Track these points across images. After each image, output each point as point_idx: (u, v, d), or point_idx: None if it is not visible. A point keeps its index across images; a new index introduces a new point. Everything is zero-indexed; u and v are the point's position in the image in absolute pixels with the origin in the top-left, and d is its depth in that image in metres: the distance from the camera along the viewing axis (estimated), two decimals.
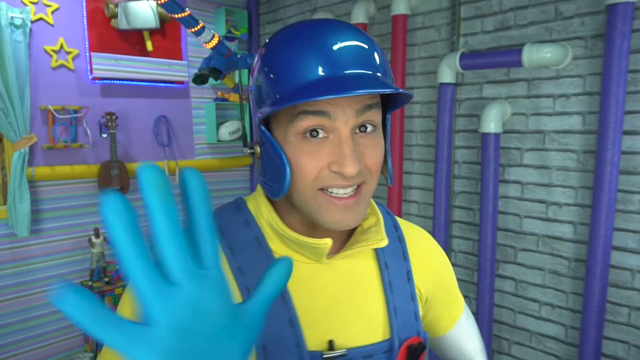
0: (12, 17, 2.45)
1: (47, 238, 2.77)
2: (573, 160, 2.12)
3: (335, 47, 0.56)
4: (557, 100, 2.14)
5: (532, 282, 2.30)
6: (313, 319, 0.64)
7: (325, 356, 0.63)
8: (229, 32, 3.32)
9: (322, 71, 0.55)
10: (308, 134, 0.58)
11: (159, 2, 2.22)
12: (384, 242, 0.66)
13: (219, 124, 3.34)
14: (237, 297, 0.62)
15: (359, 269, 0.69)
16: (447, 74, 2.39)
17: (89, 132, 2.81)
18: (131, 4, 2.82)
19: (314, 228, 0.66)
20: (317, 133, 0.58)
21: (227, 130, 3.33)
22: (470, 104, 2.44)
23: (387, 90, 0.54)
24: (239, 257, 0.64)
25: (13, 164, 2.53)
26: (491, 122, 2.21)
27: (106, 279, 2.81)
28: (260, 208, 0.67)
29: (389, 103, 0.67)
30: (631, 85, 1.93)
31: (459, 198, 2.55)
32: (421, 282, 0.74)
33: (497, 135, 2.23)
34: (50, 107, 2.66)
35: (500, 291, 2.41)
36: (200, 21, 2.38)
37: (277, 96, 0.57)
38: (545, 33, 2.15)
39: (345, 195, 0.59)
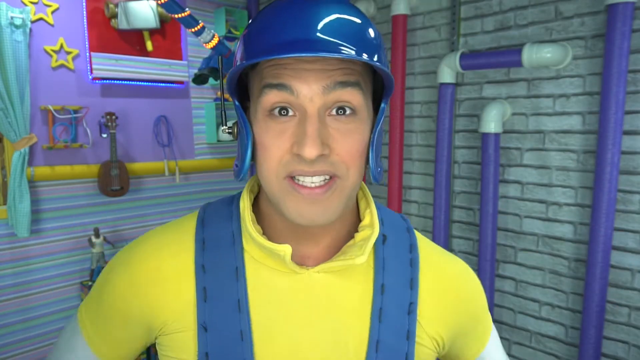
0: (12, 17, 2.45)
1: (47, 238, 2.77)
2: (573, 160, 2.12)
3: (313, 14, 0.50)
4: (557, 100, 2.14)
5: (532, 282, 2.30)
6: (272, 336, 0.56)
7: None
8: (229, 32, 3.32)
9: (291, 34, 0.49)
10: (277, 112, 0.52)
11: (159, 2, 2.22)
12: (360, 260, 0.56)
13: (219, 124, 3.34)
14: (186, 296, 0.58)
15: (347, 289, 0.59)
16: (447, 74, 2.39)
17: (89, 132, 2.81)
18: (131, 4, 2.82)
19: (295, 230, 0.58)
20: (287, 112, 0.52)
21: (227, 130, 3.33)
22: (470, 104, 2.44)
23: (353, 57, 0.47)
24: (207, 253, 0.59)
25: (13, 164, 2.53)
26: (491, 122, 2.22)
27: None
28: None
29: (383, 90, 0.58)
30: (631, 85, 1.93)
31: (459, 198, 2.55)
32: (438, 323, 0.61)
33: (497, 135, 2.23)
34: (50, 107, 2.66)
35: (500, 291, 2.41)
36: (200, 21, 2.38)
37: (246, 55, 0.52)
38: (545, 33, 2.15)
39: (312, 185, 0.52)
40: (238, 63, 0.53)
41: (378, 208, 0.65)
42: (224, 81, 0.59)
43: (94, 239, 2.81)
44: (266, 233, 0.61)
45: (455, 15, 2.43)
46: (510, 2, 2.25)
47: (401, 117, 2.61)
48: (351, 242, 0.59)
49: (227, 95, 3.32)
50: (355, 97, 0.52)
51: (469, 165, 2.49)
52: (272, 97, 0.51)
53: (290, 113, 0.52)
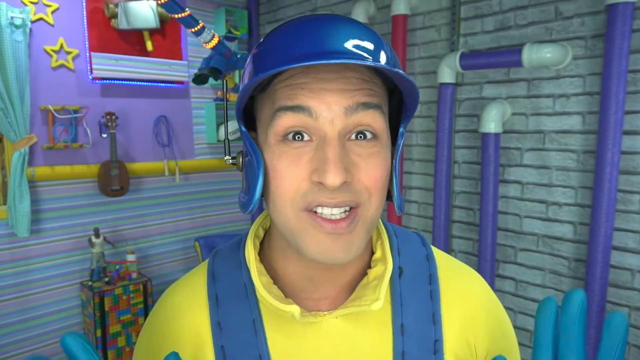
0: (12, 17, 2.45)
1: (47, 238, 2.77)
2: (573, 160, 2.12)
3: (327, 31, 0.46)
4: (557, 100, 2.14)
5: (532, 282, 2.30)
6: None
7: None
8: (229, 32, 3.32)
9: (309, 46, 0.45)
10: (290, 137, 0.47)
11: (159, 2, 2.22)
12: (376, 306, 0.51)
13: (219, 124, 3.34)
14: (209, 357, 0.54)
15: (366, 332, 0.54)
16: (447, 74, 2.39)
17: (89, 132, 2.81)
18: (131, 4, 2.82)
19: (310, 274, 0.54)
20: (302, 137, 0.47)
21: (227, 130, 3.33)
22: (470, 104, 2.44)
23: (377, 65, 0.43)
24: (221, 309, 0.55)
25: (13, 164, 2.53)
26: (491, 122, 2.21)
27: (106, 279, 2.81)
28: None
29: (402, 112, 0.54)
30: (631, 85, 1.93)
31: (459, 198, 2.55)
32: (465, 353, 0.56)
33: (497, 135, 2.23)
34: (50, 107, 2.66)
35: (501, 291, 2.41)
36: (200, 21, 2.38)
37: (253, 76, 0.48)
38: (545, 33, 2.15)
39: (332, 217, 0.47)
40: (246, 82, 0.48)
41: (394, 234, 0.60)
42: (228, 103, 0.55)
43: (94, 239, 2.81)
44: (278, 279, 0.56)
45: (455, 15, 2.43)
46: (510, 2, 2.25)
47: None
48: (364, 280, 0.55)
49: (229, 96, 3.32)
50: (377, 121, 0.48)
51: (469, 165, 2.49)
52: (287, 121, 0.46)
53: (306, 138, 0.47)
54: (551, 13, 2.13)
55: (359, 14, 2.71)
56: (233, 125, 3.36)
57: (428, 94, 2.62)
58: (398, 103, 0.56)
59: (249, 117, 0.56)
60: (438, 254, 0.62)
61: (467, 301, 0.58)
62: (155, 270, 3.20)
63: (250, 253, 0.55)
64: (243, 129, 0.52)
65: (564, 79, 2.12)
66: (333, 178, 0.44)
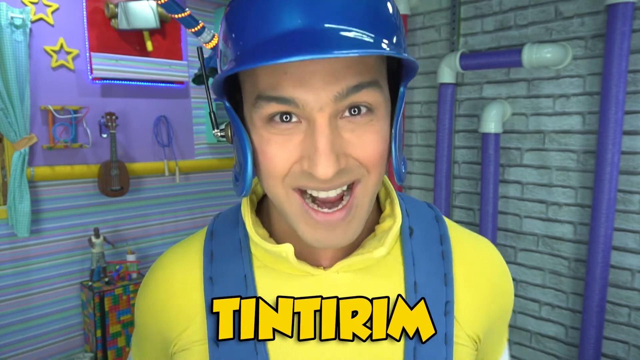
0: (12, 17, 2.45)
1: (47, 238, 2.77)
2: (573, 160, 2.12)
3: None
4: (557, 100, 2.14)
5: (532, 282, 2.30)
6: (288, 349, 0.50)
7: None
8: None
9: (289, 21, 0.40)
10: (277, 118, 0.44)
11: (159, 2, 2.22)
12: (379, 252, 0.49)
13: (219, 124, 3.34)
14: (194, 310, 0.54)
15: (373, 288, 0.51)
16: (447, 74, 2.39)
17: (89, 132, 2.81)
18: (131, 4, 2.82)
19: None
20: (290, 117, 0.43)
21: (228, 130, 3.33)
22: (470, 104, 2.44)
23: (377, 52, 0.38)
24: (215, 264, 0.55)
25: (13, 164, 2.53)
26: (491, 122, 2.21)
27: (106, 279, 2.81)
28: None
29: (402, 72, 0.49)
30: (631, 85, 1.93)
31: (459, 198, 2.54)
32: (475, 320, 0.54)
33: (497, 135, 2.23)
34: (50, 107, 2.66)
35: None
36: (200, 21, 2.38)
37: (237, 54, 0.42)
38: (545, 33, 2.15)
39: (328, 204, 0.45)
40: (224, 57, 0.45)
41: (401, 198, 0.58)
42: (208, 82, 0.52)
43: (94, 239, 2.81)
44: (275, 235, 0.55)
45: (455, 15, 2.43)
46: (510, 2, 2.25)
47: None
48: (371, 235, 0.53)
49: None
50: (371, 96, 0.43)
51: (469, 165, 2.49)
52: (271, 109, 0.43)
53: (294, 120, 0.43)
54: (551, 13, 2.13)
55: None
56: None
57: (428, 94, 2.62)
58: (399, 61, 0.50)
59: (231, 85, 0.51)
60: (447, 219, 0.60)
61: (479, 265, 0.56)
62: None
63: (245, 206, 0.54)
64: (227, 104, 0.48)
65: (564, 79, 2.11)
66: (324, 171, 0.41)
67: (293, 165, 0.44)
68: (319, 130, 0.42)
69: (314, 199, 0.46)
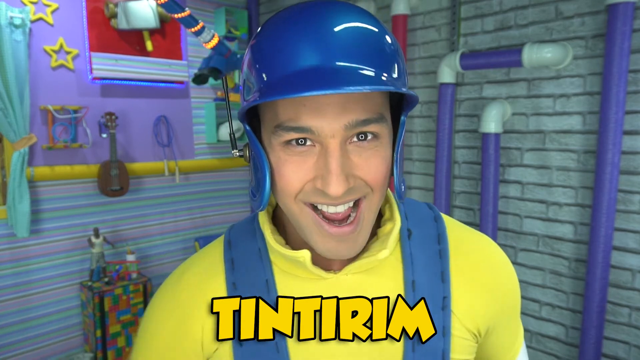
0: (11, 17, 2.45)
1: (47, 238, 2.77)
2: (573, 160, 2.12)
3: (329, 31, 0.47)
4: (557, 100, 2.14)
5: (532, 282, 2.30)
6: (307, 345, 0.56)
7: None
8: (229, 32, 3.32)
9: (307, 60, 0.46)
10: (294, 142, 0.50)
11: (159, 2, 2.22)
12: (383, 254, 0.56)
13: (219, 124, 3.34)
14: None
15: (377, 287, 0.57)
16: (447, 74, 2.39)
17: (88, 132, 2.81)
18: (131, 4, 2.82)
19: None
20: (304, 141, 0.50)
21: (227, 130, 3.33)
22: (470, 104, 2.44)
23: (379, 88, 0.44)
24: (236, 271, 0.60)
25: (13, 164, 2.53)
26: (491, 122, 2.21)
27: (106, 279, 2.80)
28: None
29: (403, 103, 0.56)
30: (631, 85, 1.93)
31: (459, 198, 2.54)
32: (475, 313, 0.59)
33: (497, 135, 2.23)
34: (50, 107, 2.66)
35: None
36: (200, 21, 2.38)
37: (261, 86, 0.49)
38: (546, 33, 2.15)
39: (337, 217, 0.51)
40: (248, 87, 0.51)
41: (402, 202, 0.64)
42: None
43: (93, 239, 2.81)
44: (290, 244, 0.60)
45: (455, 15, 2.43)
46: (510, 2, 2.24)
47: None
48: (374, 239, 0.59)
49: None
50: (377, 128, 0.50)
51: (469, 165, 2.49)
52: (289, 137, 0.49)
53: (309, 143, 0.50)
54: (551, 13, 2.12)
55: None
56: (233, 125, 3.36)
57: (428, 94, 2.62)
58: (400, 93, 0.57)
59: (251, 111, 0.57)
60: (447, 218, 0.65)
61: (476, 260, 0.60)
62: (155, 270, 3.20)
63: (264, 216, 0.60)
64: (247, 127, 0.54)
65: (564, 79, 2.11)
66: (335, 190, 0.48)
67: (306, 184, 0.51)
68: (331, 153, 0.48)
69: (324, 215, 0.52)
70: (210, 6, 3.36)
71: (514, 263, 2.35)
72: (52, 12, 2.66)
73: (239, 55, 2.61)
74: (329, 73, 0.45)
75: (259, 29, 0.53)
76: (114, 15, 2.81)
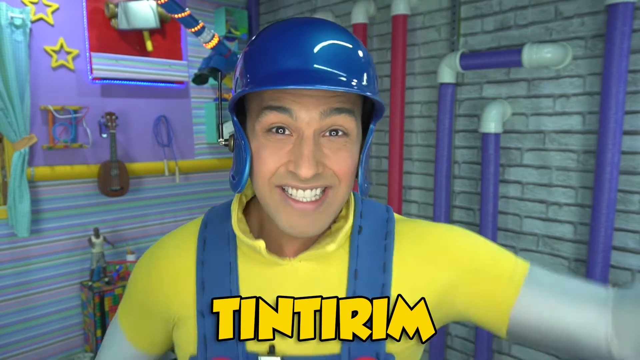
0: (12, 17, 2.45)
1: (47, 238, 2.77)
2: (573, 160, 2.12)
3: (310, 43, 0.56)
4: (557, 100, 2.14)
5: None
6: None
7: (261, 359, 0.62)
8: (229, 32, 3.32)
9: (291, 63, 0.55)
10: (274, 130, 0.58)
11: (159, 2, 2.22)
12: (330, 247, 0.64)
13: (219, 124, 3.34)
14: (189, 288, 0.67)
15: (325, 274, 0.65)
16: (447, 74, 2.39)
17: (88, 132, 2.81)
18: (131, 4, 2.82)
19: (286, 234, 0.63)
20: (283, 130, 0.58)
21: (227, 130, 3.33)
22: (470, 104, 2.44)
23: (349, 90, 0.53)
24: (206, 251, 0.68)
25: (13, 164, 2.53)
26: (491, 122, 2.21)
27: (106, 279, 2.81)
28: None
29: (373, 113, 0.64)
30: (631, 85, 1.93)
31: (459, 198, 2.55)
32: (417, 288, 0.65)
33: (497, 135, 2.23)
34: (50, 107, 2.66)
35: None
36: (200, 21, 2.38)
37: (250, 80, 0.57)
38: (545, 33, 2.15)
39: (304, 200, 0.58)
40: (240, 83, 0.59)
41: (362, 202, 0.71)
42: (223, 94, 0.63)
43: (94, 239, 2.81)
44: (260, 234, 0.68)
45: (455, 15, 2.43)
46: (510, 2, 2.25)
47: (401, 117, 2.61)
48: (327, 232, 0.67)
49: (226, 96, 3.31)
50: (347, 122, 0.58)
51: (469, 165, 2.49)
52: (272, 118, 0.57)
53: (287, 132, 0.57)
54: (551, 13, 2.13)
55: (359, 14, 2.70)
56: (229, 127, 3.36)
57: (428, 94, 2.62)
58: (372, 104, 0.65)
59: (238, 105, 0.66)
60: (402, 219, 0.71)
61: (417, 242, 0.67)
62: None
63: (235, 205, 0.68)
64: (235, 119, 0.62)
65: (564, 79, 2.11)
66: (306, 171, 0.55)
67: (280, 167, 0.58)
68: (306, 140, 0.56)
69: (292, 200, 0.59)
70: (210, 6, 3.36)
71: None
72: (53, 12, 2.67)
73: (239, 55, 2.61)
74: (308, 73, 0.54)
75: (251, 40, 0.62)
76: (114, 16, 2.81)
